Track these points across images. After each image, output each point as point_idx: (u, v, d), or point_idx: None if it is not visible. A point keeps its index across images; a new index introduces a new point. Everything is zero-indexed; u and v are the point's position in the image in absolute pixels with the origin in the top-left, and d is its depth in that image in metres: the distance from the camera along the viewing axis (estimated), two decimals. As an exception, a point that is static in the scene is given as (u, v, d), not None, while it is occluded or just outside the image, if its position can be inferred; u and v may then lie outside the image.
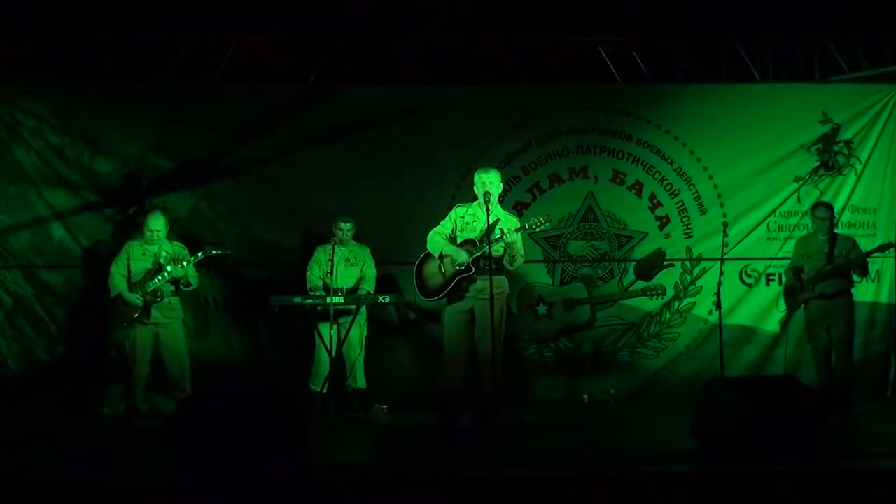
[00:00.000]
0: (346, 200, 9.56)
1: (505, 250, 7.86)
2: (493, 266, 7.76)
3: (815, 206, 9.29)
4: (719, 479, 5.91)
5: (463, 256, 7.85)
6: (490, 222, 7.76)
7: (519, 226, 7.92)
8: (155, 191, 9.79)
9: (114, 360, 9.22)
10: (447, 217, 8.15)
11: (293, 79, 10.01)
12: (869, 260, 9.16)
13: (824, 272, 8.88)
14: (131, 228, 9.40)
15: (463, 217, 8.07)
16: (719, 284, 8.94)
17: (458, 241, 8.01)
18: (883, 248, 9.11)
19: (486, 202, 7.78)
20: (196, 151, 9.86)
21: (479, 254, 7.79)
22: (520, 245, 7.93)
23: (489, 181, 7.96)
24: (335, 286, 8.78)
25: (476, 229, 7.95)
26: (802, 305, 9.11)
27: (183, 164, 9.83)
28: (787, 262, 9.41)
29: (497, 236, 7.75)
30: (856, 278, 9.08)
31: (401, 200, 9.70)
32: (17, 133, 9.63)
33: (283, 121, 9.88)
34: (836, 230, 9.48)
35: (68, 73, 9.65)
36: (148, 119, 9.78)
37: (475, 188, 8.02)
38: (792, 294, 9.16)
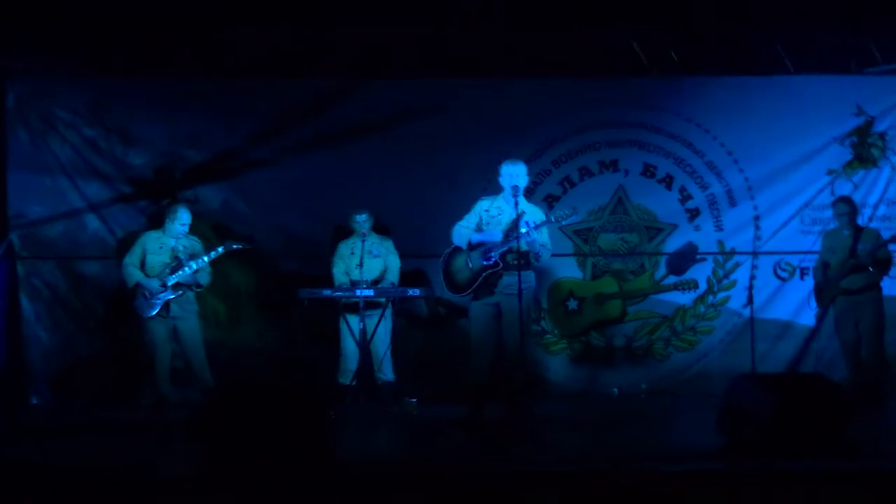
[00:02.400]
0: (378, 193, 9.61)
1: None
2: (522, 260, 7.74)
3: (835, 202, 9.23)
4: (743, 477, 5.88)
5: (499, 230, 7.81)
6: (517, 215, 7.74)
7: (544, 219, 7.88)
8: (187, 183, 9.85)
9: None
10: (472, 210, 8.13)
11: (325, 71, 9.99)
12: None
13: (847, 267, 8.80)
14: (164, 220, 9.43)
15: (488, 210, 8.04)
16: (751, 279, 8.87)
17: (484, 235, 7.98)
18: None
19: (514, 195, 7.76)
20: (228, 144, 9.91)
21: (506, 248, 7.76)
22: (544, 238, 7.90)
23: (517, 173, 7.94)
24: (364, 279, 8.78)
25: (501, 222, 7.92)
26: (831, 301, 9.02)
27: (215, 157, 9.89)
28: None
29: (524, 230, 7.71)
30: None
31: (432, 193, 9.70)
32: (52, 125, 9.75)
33: (316, 113, 9.91)
34: (871, 224, 9.45)
35: (102, 67, 9.70)
36: (181, 111, 9.86)
37: (501, 180, 8.00)
38: (820, 290, 9.09)
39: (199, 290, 8.76)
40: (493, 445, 7.28)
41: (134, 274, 8.61)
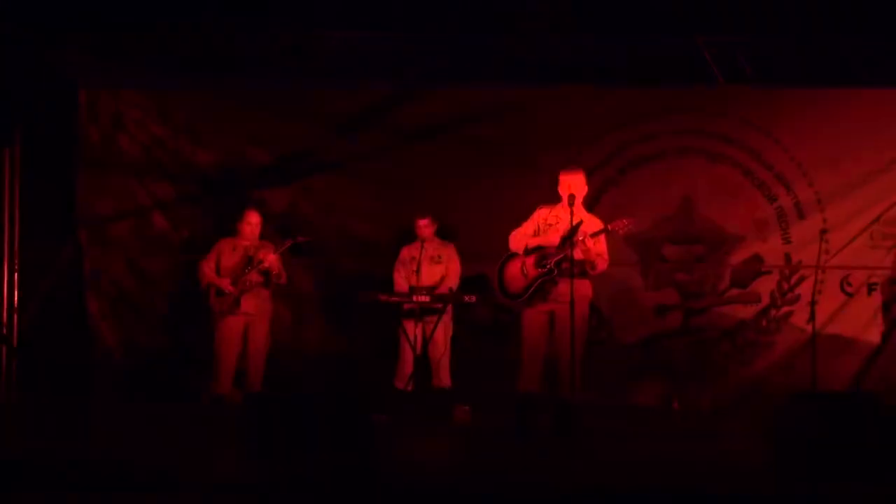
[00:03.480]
0: (442, 198, 9.63)
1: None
2: (577, 269, 7.69)
3: None
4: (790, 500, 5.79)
5: (555, 238, 7.77)
6: (573, 224, 7.69)
7: (601, 229, 7.82)
8: (254, 184, 9.94)
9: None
10: (530, 218, 8.10)
11: (392, 75, 10.01)
12: None
13: None
14: (230, 220, 9.51)
15: (546, 219, 8.02)
16: (813, 293, 8.71)
17: (541, 242, 7.95)
18: None
19: (570, 204, 7.71)
20: (295, 146, 10.00)
21: (561, 256, 7.71)
22: (601, 248, 7.83)
23: (574, 182, 7.90)
24: (420, 284, 8.79)
25: (559, 230, 7.86)
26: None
27: (281, 159, 9.97)
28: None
29: (580, 238, 7.65)
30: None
31: (497, 199, 9.61)
32: (122, 124, 9.91)
33: (382, 117, 9.96)
34: None
35: (171, 66, 9.79)
36: (248, 113, 9.94)
37: (559, 188, 7.96)
38: (887, 307, 8.89)
39: (279, 282, 8.97)
40: (535, 457, 7.21)
41: (207, 274, 8.93)
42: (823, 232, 9.11)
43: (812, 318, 8.74)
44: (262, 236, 9.22)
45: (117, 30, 9.44)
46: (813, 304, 8.73)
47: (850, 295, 9.72)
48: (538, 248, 7.92)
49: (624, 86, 9.98)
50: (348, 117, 9.97)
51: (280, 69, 9.80)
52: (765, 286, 9.88)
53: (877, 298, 9.49)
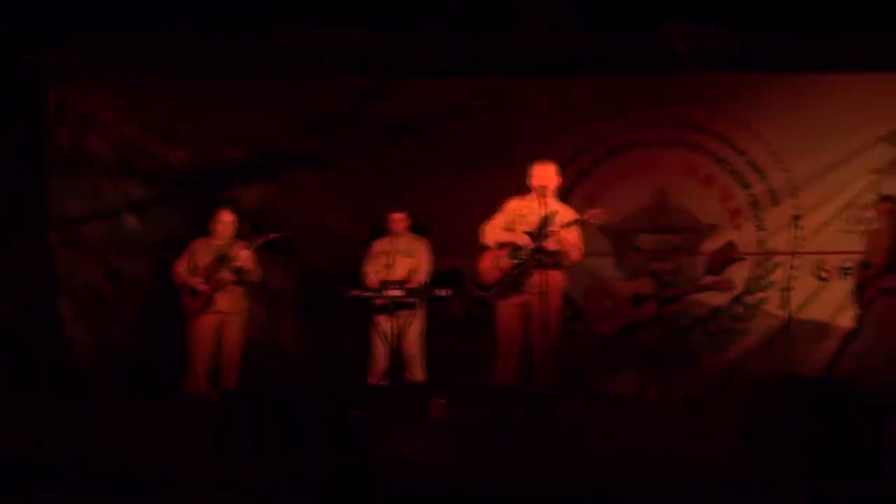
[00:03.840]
0: (416, 192, 9.62)
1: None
2: (550, 260, 7.69)
3: (878, 201, 9.07)
4: (764, 491, 5.78)
5: (525, 240, 7.77)
6: (545, 215, 7.68)
7: (575, 219, 7.81)
8: (228, 182, 9.90)
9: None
10: (502, 210, 8.08)
11: (368, 71, 9.98)
12: None
13: (886, 266, 8.60)
14: (204, 219, 9.46)
15: (518, 210, 7.99)
16: (786, 279, 8.74)
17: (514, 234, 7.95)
18: None
19: (541, 195, 7.70)
20: (268, 143, 9.96)
21: (534, 248, 7.71)
22: (574, 238, 7.82)
23: (545, 174, 7.88)
24: (392, 279, 8.77)
25: (531, 222, 7.83)
26: (871, 302, 8.84)
27: (256, 156, 9.93)
28: None
29: (552, 229, 7.66)
30: None
31: (472, 193, 9.45)
32: (92, 125, 9.83)
33: (357, 113, 9.95)
34: None
35: (143, 64, 9.75)
36: (222, 110, 9.89)
37: (531, 181, 7.94)
38: (860, 290, 8.91)
39: (253, 281, 8.93)
40: (511, 450, 7.21)
41: (180, 273, 8.87)
42: (796, 218, 9.10)
43: (786, 303, 8.69)
44: (237, 235, 9.18)
45: (86, 29, 9.41)
46: (786, 290, 8.76)
47: (824, 280, 9.75)
48: (512, 239, 7.90)
49: (596, 77, 9.98)
50: (322, 113, 9.94)
51: (252, 66, 9.77)
52: (739, 273, 9.91)
53: (851, 283, 9.50)
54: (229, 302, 8.78)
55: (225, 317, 8.76)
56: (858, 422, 6.13)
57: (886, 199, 9.03)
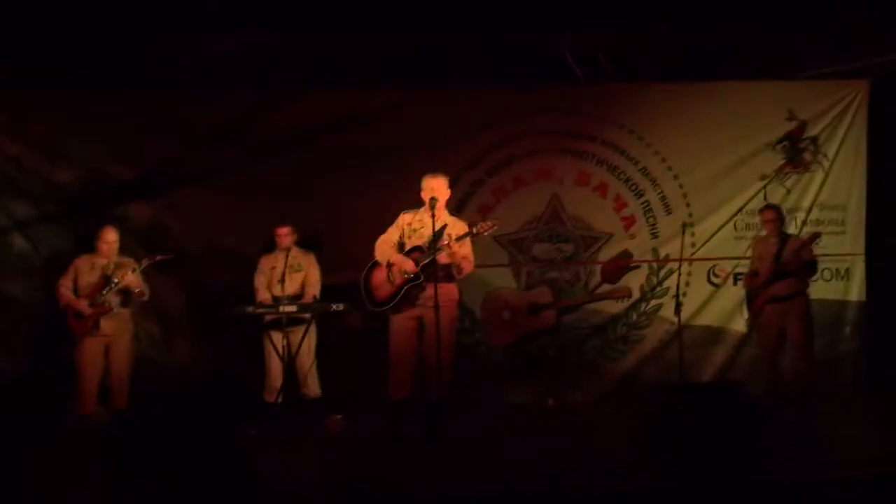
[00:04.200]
0: (308, 206, 9.51)
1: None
2: (442, 273, 7.69)
3: (762, 209, 9.21)
4: (657, 491, 5.83)
5: (410, 265, 7.77)
6: (437, 229, 7.67)
7: (466, 232, 7.81)
8: (116, 200, 9.71)
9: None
10: (394, 224, 8.06)
11: (256, 83, 9.86)
12: (840, 259, 9.61)
13: (772, 274, 8.73)
14: (92, 239, 9.28)
15: (410, 223, 7.99)
16: (678, 286, 8.84)
17: (406, 248, 7.92)
18: (812, 239, 8.83)
19: (432, 208, 7.69)
20: (156, 159, 9.78)
21: (427, 261, 7.69)
22: (466, 251, 7.82)
23: (436, 187, 7.88)
24: (284, 293, 8.67)
25: (424, 235, 7.85)
26: (760, 308, 8.95)
27: (143, 173, 9.75)
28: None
29: (444, 242, 7.66)
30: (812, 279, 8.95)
31: (364, 206, 9.45)
32: (-26, 143, 9.56)
33: (246, 126, 9.79)
34: (804, 227, 9.58)
35: (23, 81, 9.52)
36: (107, 127, 9.65)
37: (422, 193, 7.93)
38: (750, 298, 9.01)
39: (142, 299, 8.81)
40: (406, 464, 7.18)
41: (63, 294, 8.70)
42: (685, 225, 9.21)
43: (678, 310, 8.77)
44: (128, 252, 9.04)
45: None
46: (678, 296, 8.85)
47: (717, 286, 9.90)
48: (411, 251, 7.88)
49: (487, 87, 9.99)
50: (208, 128, 9.77)
51: (135, 80, 9.59)
52: (635, 281, 10.01)
53: (742, 288, 9.63)
54: (115, 324, 8.66)
55: (111, 339, 8.63)
56: (743, 423, 6.22)
57: (770, 207, 9.17)
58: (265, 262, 9.05)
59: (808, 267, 8.76)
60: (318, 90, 9.81)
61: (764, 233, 9.13)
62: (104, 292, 8.56)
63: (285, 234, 8.96)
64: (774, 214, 8.96)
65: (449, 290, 7.80)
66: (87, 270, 8.71)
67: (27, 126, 9.63)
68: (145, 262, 8.71)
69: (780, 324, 8.76)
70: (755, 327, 9.15)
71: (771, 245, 8.87)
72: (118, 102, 9.65)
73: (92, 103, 9.62)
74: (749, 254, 9.42)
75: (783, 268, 8.69)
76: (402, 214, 8.10)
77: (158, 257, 8.78)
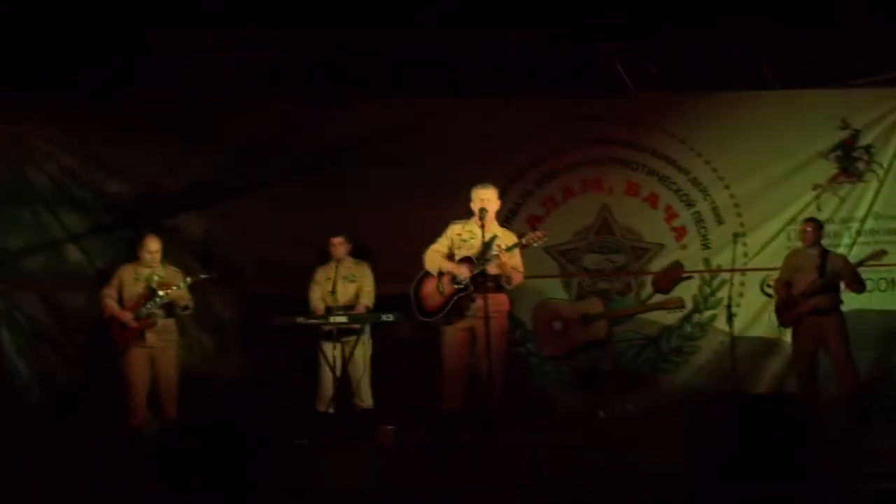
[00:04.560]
0: (358, 217, 9.51)
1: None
2: (492, 284, 7.69)
3: (804, 221, 9.14)
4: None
5: (463, 271, 7.77)
6: (487, 239, 7.67)
7: (515, 243, 7.80)
8: (168, 212, 9.78)
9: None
10: (444, 234, 8.08)
11: (306, 95, 9.90)
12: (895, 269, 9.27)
13: (817, 286, 8.67)
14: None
15: (459, 234, 8.02)
16: (730, 297, 8.76)
17: (456, 258, 7.93)
18: (875, 256, 8.83)
19: (482, 218, 7.70)
20: (208, 170, 9.82)
21: (478, 272, 7.69)
22: (516, 262, 7.83)
23: (486, 198, 7.89)
24: (336, 304, 8.70)
25: (473, 246, 7.88)
26: (794, 321, 8.89)
27: (195, 184, 9.80)
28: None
29: (494, 253, 7.66)
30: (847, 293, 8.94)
31: (413, 216, 9.45)
32: (30, 155, 9.65)
33: (296, 138, 9.82)
34: (859, 238, 9.63)
35: (79, 94, 9.63)
36: (160, 139, 9.73)
37: (472, 204, 7.95)
38: (785, 309, 8.91)
39: (186, 312, 8.79)
40: (457, 473, 7.16)
41: (109, 305, 8.69)
42: (736, 235, 9.11)
43: (730, 320, 8.70)
44: (180, 264, 9.11)
45: (19, 61, 9.31)
46: (729, 306, 8.73)
47: (770, 297, 9.74)
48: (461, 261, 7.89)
49: (536, 96, 9.97)
50: (261, 139, 9.81)
51: (187, 93, 9.68)
52: (687, 292, 9.93)
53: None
54: (159, 335, 8.64)
55: (156, 350, 8.63)
56: (799, 435, 6.13)
57: (810, 219, 9.12)
58: (320, 273, 9.08)
59: (860, 280, 8.70)
60: (366, 100, 9.83)
61: (800, 244, 9.06)
62: (149, 306, 8.57)
63: (339, 244, 8.98)
64: (814, 226, 8.91)
65: (499, 301, 7.82)
66: (131, 281, 8.70)
67: (80, 138, 9.71)
68: (190, 280, 8.72)
69: (819, 336, 8.74)
70: (792, 339, 9.01)
71: (811, 257, 8.83)
72: (170, 115, 9.74)
73: (144, 115, 9.69)
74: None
75: (830, 280, 8.64)
76: (451, 225, 8.12)
77: (202, 276, 8.82)
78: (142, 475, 7.11)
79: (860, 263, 8.82)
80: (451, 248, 8.00)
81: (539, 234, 7.86)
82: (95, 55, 9.54)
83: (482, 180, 8.17)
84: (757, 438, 6.07)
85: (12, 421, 9.31)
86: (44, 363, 9.68)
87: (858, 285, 8.83)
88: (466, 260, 7.85)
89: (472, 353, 7.89)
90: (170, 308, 8.69)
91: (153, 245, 8.72)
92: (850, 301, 9.45)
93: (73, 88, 9.57)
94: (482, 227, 7.68)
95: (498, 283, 7.79)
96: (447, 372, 7.91)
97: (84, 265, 9.75)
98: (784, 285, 8.95)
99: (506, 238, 7.88)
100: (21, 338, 9.65)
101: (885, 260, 9.29)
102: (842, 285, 8.84)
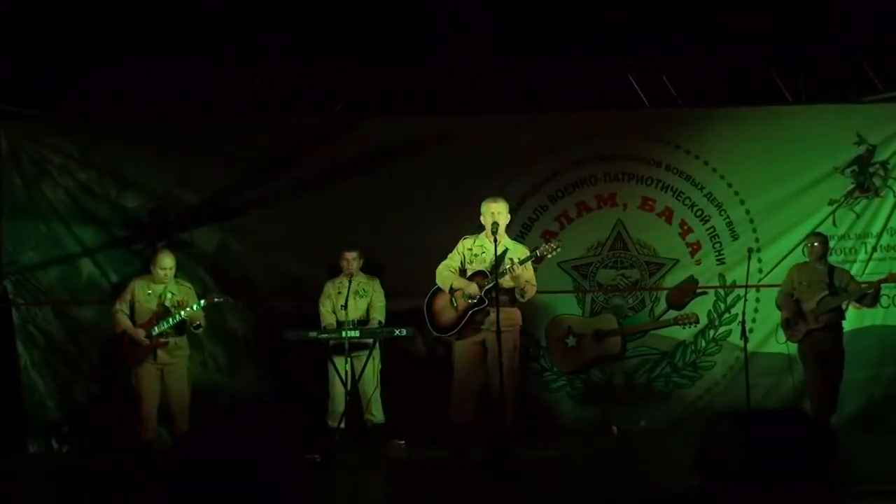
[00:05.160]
0: (370, 231, 9.52)
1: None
2: (505, 297, 7.66)
3: (810, 236, 9.14)
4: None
5: (474, 289, 7.76)
6: (498, 253, 7.65)
7: (529, 255, 7.78)
8: (182, 225, 9.80)
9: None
10: (455, 250, 8.07)
11: (319, 110, 9.95)
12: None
13: (827, 302, 8.64)
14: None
15: (471, 249, 8.01)
16: (744, 312, 8.69)
17: (468, 273, 7.91)
18: (890, 279, 8.80)
19: (494, 232, 7.68)
20: (222, 185, 9.84)
21: (490, 286, 7.67)
22: (529, 275, 7.81)
23: (498, 211, 7.88)
24: (347, 319, 8.69)
25: (485, 260, 7.87)
26: (803, 337, 8.87)
27: (209, 198, 9.82)
28: (871, 287, 8.92)
29: (508, 266, 7.64)
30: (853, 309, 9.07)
31: (426, 232, 9.42)
32: (45, 170, 9.69)
33: (309, 153, 9.85)
34: (875, 254, 9.44)
35: (93, 109, 9.72)
36: (174, 153, 9.80)
37: (482, 218, 7.94)
38: (793, 324, 8.85)
39: (198, 330, 8.78)
40: (468, 488, 7.14)
41: (122, 321, 8.68)
42: (751, 251, 9.02)
43: (743, 335, 8.63)
44: (194, 277, 9.14)
45: (35, 75, 9.37)
46: (743, 322, 8.66)
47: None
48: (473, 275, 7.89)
49: (552, 112, 9.98)
50: (275, 154, 9.83)
51: (205, 107, 9.73)
52: (702, 307, 9.87)
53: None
54: (170, 353, 8.63)
55: (167, 367, 8.63)
56: (813, 450, 6.10)
57: (817, 233, 9.10)
58: (330, 287, 9.08)
59: (874, 296, 8.72)
60: (378, 116, 9.85)
61: (807, 259, 9.02)
62: (162, 325, 8.55)
63: (353, 259, 8.98)
64: (822, 241, 8.89)
65: (512, 315, 7.80)
66: (144, 296, 8.68)
67: (96, 154, 9.75)
68: (204, 303, 8.69)
69: (826, 350, 8.74)
70: (800, 355, 8.96)
71: (819, 272, 8.84)
72: (185, 130, 9.81)
73: (158, 131, 9.76)
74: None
75: (838, 295, 8.71)
76: (462, 240, 8.11)
77: (217, 299, 8.81)
78: (152, 488, 7.17)
79: (881, 283, 8.75)
80: (462, 264, 7.99)
81: (552, 245, 7.81)
82: (109, 71, 9.59)
83: (494, 196, 8.15)
84: (767, 454, 6.04)
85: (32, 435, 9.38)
86: (59, 376, 9.68)
87: (872, 300, 8.78)
88: (479, 273, 7.83)
89: (484, 366, 7.84)
90: (181, 326, 8.67)
91: (167, 261, 8.70)
92: (867, 318, 9.48)
93: (89, 104, 9.65)
94: (495, 240, 7.63)
95: (512, 297, 7.77)
96: (458, 385, 7.90)
97: (99, 279, 9.75)
98: (791, 300, 8.88)
99: (517, 251, 7.87)
100: (36, 351, 9.65)
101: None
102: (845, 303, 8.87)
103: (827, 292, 8.71)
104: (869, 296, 8.75)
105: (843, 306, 8.92)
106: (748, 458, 6.01)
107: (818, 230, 9.48)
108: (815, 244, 8.93)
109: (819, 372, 8.80)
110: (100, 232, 9.78)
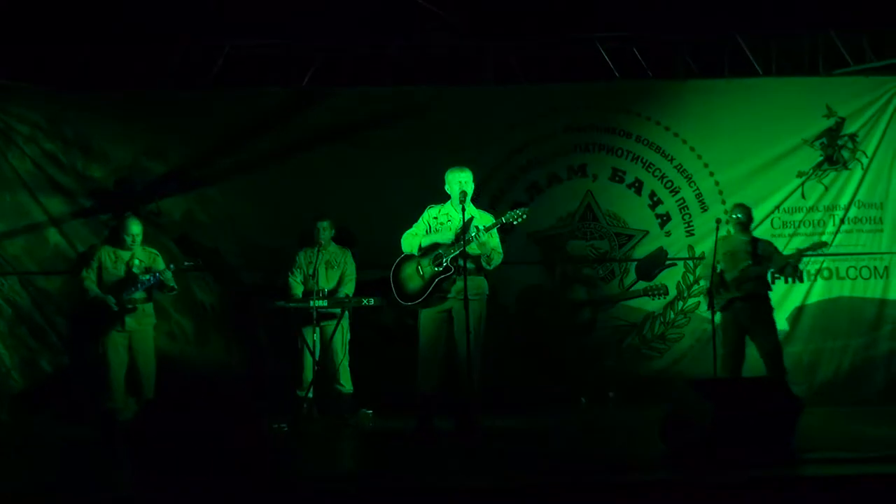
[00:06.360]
0: (341, 202, 9.53)
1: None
2: (472, 265, 7.64)
3: (734, 206, 9.05)
4: (680, 487, 5.74)
5: (448, 235, 7.72)
6: (466, 220, 7.63)
7: (494, 222, 7.76)
8: (149, 195, 9.74)
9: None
10: (420, 218, 8.04)
11: (287, 82, 9.90)
12: (878, 257, 9.41)
13: (750, 272, 8.65)
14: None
15: (436, 217, 7.98)
16: (711, 284, 8.68)
17: (433, 241, 7.88)
18: (815, 248, 8.80)
19: (462, 201, 7.65)
20: (189, 155, 9.80)
21: (456, 253, 7.64)
22: (495, 242, 7.79)
23: (465, 180, 7.85)
24: (318, 288, 8.65)
25: (450, 228, 7.84)
26: (725, 305, 8.77)
27: (176, 168, 9.77)
28: (793, 257, 8.85)
29: (474, 234, 7.62)
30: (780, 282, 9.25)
31: (396, 202, 9.32)
32: (11, 140, 9.63)
33: (278, 123, 9.81)
34: (843, 226, 9.53)
35: (60, 80, 9.63)
36: (141, 124, 9.75)
37: (448, 187, 7.92)
38: (715, 293, 8.82)
39: (172, 293, 8.84)
40: (435, 457, 7.13)
41: (90, 288, 8.68)
42: (720, 222, 9.03)
43: (710, 307, 8.64)
44: (160, 247, 9.11)
45: (4, 45, 9.29)
46: (711, 293, 8.65)
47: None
48: (432, 245, 7.84)
49: (522, 83, 9.95)
50: (243, 124, 9.78)
51: (172, 79, 9.66)
52: (671, 279, 9.89)
53: (781, 285, 9.59)
54: (137, 320, 8.63)
55: (134, 334, 8.62)
56: (778, 418, 6.12)
57: (740, 205, 9.02)
58: (302, 257, 9.05)
59: (794, 268, 8.74)
60: (348, 87, 9.81)
61: (728, 231, 8.98)
62: (131, 290, 8.54)
63: (325, 229, 8.94)
64: (747, 213, 8.88)
65: (479, 283, 7.77)
66: (110, 263, 8.71)
67: (63, 124, 9.68)
68: (174, 268, 8.73)
69: (747, 322, 8.70)
70: (721, 324, 8.86)
71: (742, 243, 8.81)
72: (149, 100, 9.74)
73: (125, 101, 9.72)
74: (787, 251, 9.23)
75: (762, 265, 8.70)
76: (427, 208, 8.10)
77: (186, 264, 8.85)
78: (118, 457, 7.13)
79: (802, 253, 8.72)
80: (427, 232, 7.96)
81: (518, 212, 7.74)
82: (77, 42, 9.51)
83: (466, 165, 8.12)
84: (733, 421, 6.06)
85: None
86: (26, 348, 9.62)
87: (793, 271, 8.77)
88: (441, 243, 7.81)
89: (450, 335, 7.81)
90: (150, 291, 8.63)
91: (134, 228, 8.72)
92: (835, 289, 9.53)
93: (55, 75, 9.57)
94: (463, 209, 7.61)
95: (478, 265, 7.73)
96: (423, 354, 7.86)
97: (65, 249, 9.68)
98: (714, 270, 8.83)
99: (484, 219, 7.85)
100: (2, 322, 9.58)
101: (866, 248, 9.36)
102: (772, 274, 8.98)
103: (750, 262, 8.67)
104: (790, 265, 8.66)
105: (770, 279, 8.94)
106: (714, 427, 6.01)
107: (795, 203, 9.59)
108: (738, 215, 8.88)
109: (737, 344, 8.74)
110: (66, 202, 9.71)
